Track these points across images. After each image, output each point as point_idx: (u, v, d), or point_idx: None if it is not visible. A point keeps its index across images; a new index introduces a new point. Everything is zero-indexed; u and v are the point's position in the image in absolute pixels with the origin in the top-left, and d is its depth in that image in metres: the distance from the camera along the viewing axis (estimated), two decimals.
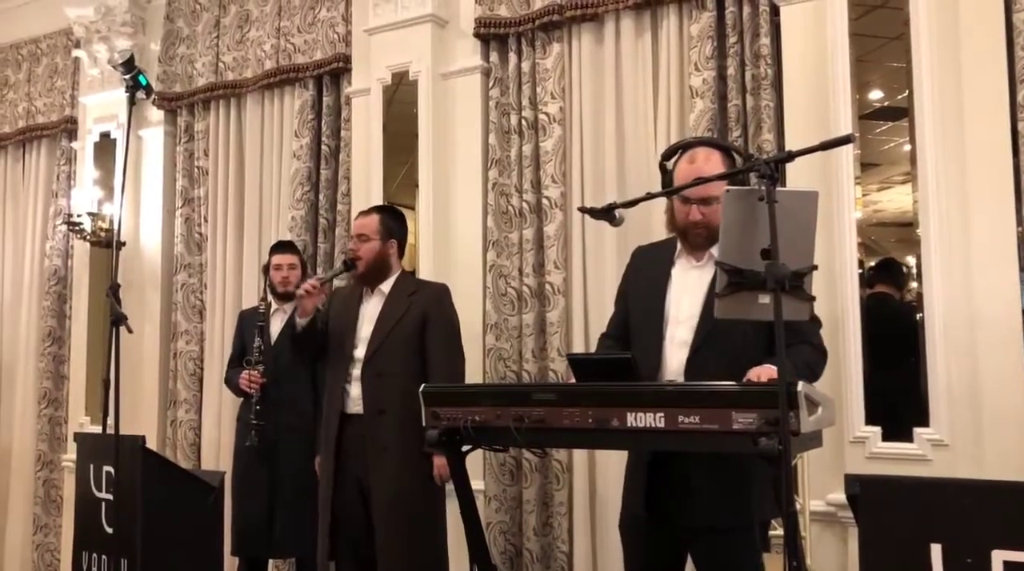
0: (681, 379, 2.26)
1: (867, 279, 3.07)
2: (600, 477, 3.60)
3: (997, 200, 2.90)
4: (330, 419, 3.17)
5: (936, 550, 1.65)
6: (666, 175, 2.40)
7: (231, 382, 3.94)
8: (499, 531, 3.77)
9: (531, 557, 3.71)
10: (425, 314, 3.17)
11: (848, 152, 3.05)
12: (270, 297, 3.98)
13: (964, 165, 2.94)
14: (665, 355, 2.30)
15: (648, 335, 2.34)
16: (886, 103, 3.13)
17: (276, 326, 3.91)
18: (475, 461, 3.67)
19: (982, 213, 2.91)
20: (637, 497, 2.30)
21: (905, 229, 3.06)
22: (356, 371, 3.14)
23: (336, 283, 3.80)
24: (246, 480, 3.75)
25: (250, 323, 3.94)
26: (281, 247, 4.04)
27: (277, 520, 3.69)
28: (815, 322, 2.25)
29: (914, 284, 3.03)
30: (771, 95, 3.39)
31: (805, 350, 2.21)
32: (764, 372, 2.05)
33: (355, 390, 3.13)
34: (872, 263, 3.10)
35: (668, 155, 2.42)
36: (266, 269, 4.04)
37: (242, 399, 3.90)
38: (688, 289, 2.34)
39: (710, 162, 2.33)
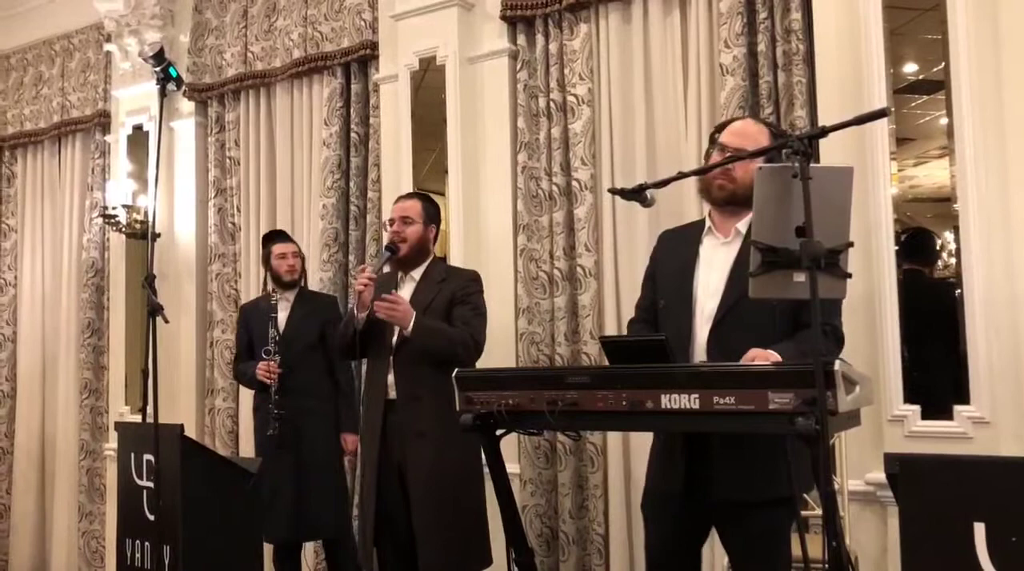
0: (705, 352, 2.25)
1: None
2: (635, 459, 3.60)
3: None
4: (373, 406, 3.19)
5: (979, 529, 1.63)
6: (713, 146, 2.41)
7: (245, 375, 3.98)
8: (535, 514, 3.78)
9: (567, 539, 3.72)
10: (453, 296, 3.19)
11: (883, 127, 2.99)
12: (271, 287, 4.01)
13: (1004, 138, 2.88)
14: (694, 331, 2.30)
15: (678, 313, 2.34)
16: (921, 76, 3.07)
17: (282, 315, 3.96)
18: (510, 445, 3.68)
19: (1023, 186, 2.85)
20: (672, 474, 2.29)
21: (942, 204, 3.00)
22: (391, 358, 3.16)
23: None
24: (272, 468, 3.77)
25: (255, 316, 3.99)
26: (280, 236, 4.08)
27: (309, 503, 3.74)
28: (835, 304, 2.21)
29: (942, 260, 2.98)
30: (803, 71, 3.34)
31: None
32: (761, 355, 2.02)
33: (391, 377, 3.15)
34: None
35: (719, 128, 2.44)
36: (266, 260, 4.06)
37: (255, 391, 3.95)
38: (715, 265, 2.33)
39: (752, 126, 2.40)
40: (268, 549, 3.88)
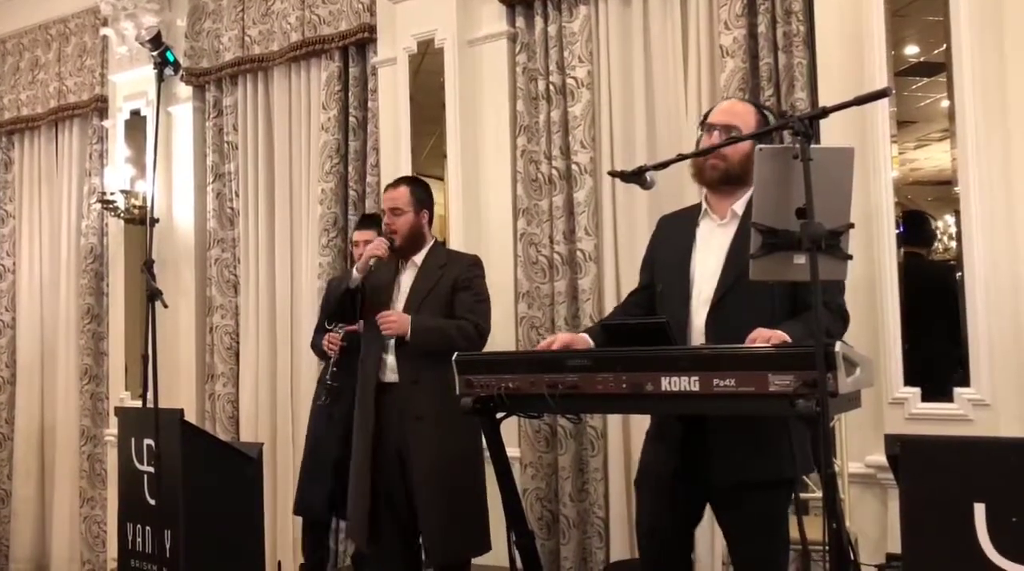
0: (703, 336, 2.25)
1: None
2: (635, 442, 3.60)
3: None
4: (366, 388, 3.19)
5: (979, 509, 1.63)
6: (703, 129, 2.41)
7: (316, 345, 3.93)
8: (535, 497, 3.79)
9: (568, 523, 3.73)
10: (455, 283, 3.19)
11: (884, 109, 2.99)
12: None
13: (1005, 120, 2.87)
14: (691, 315, 2.29)
15: (675, 297, 2.33)
16: (923, 58, 3.05)
17: None
18: (510, 428, 3.68)
19: None
20: (667, 455, 2.29)
21: (943, 187, 2.99)
22: (392, 340, 3.16)
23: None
24: (319, 441, 3.78)
25: (337, 289, 3.94)
26: (363, 222, 4.02)
27: (341, 484, 3.72)
28: (838, 283, 2.20)
29: (941, 242, 2.98)
30: (804, 52, 3.33)
31: (823, 313, 2.15)
32: (764, 336, 2.01)
33: (391, 359, 3.15)
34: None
35: (707, 114, 2.44)
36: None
37: (324, 362, 3.91)
38: (712, 248, 2.33)
39: (739, 104, 2.41)
40: (271, 531, 3.89)
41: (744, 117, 2.34)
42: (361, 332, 3.63)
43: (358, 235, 3.94)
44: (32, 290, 5.79)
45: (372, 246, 3.17)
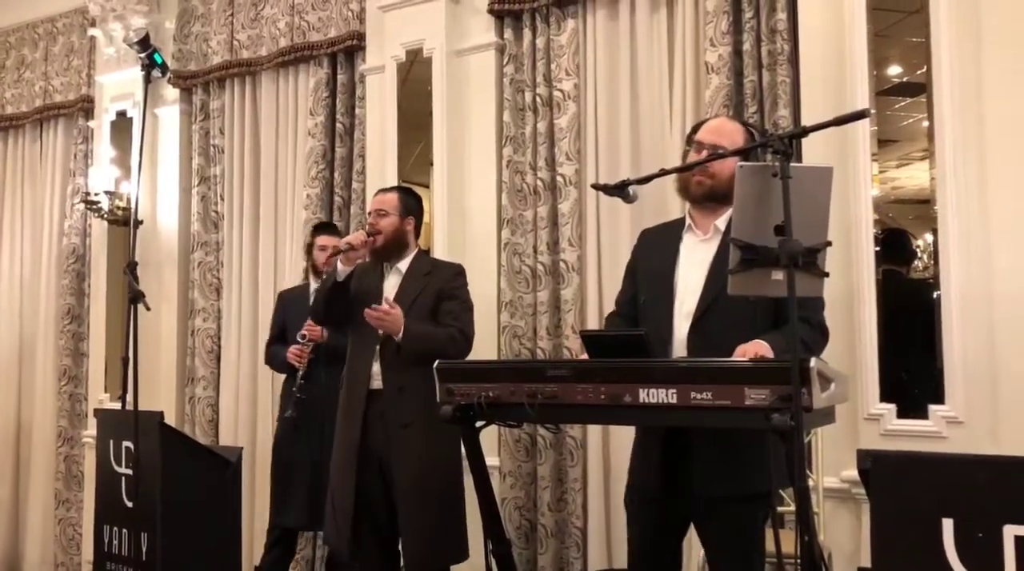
0: (685, 349, 2.27)
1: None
2: (614, 453, 3.62)
3: (1017, 176, 2.87)
4: (354, 394, 3.18)
5: (947, 525, 1.65)
6: (690, 146, 2.45)
7: (276, 358, 3.90)
8: (514, 506, 3.80)
9: (546, 532, 3.74)
10: (440, 291, 3.20)
11: (865, 128, 3.02)
12: (311, 276, 3.97)
13: (983, 141, 2.91)
14: (674, 328, 2.32)
15: (658, 310, 2.36)
16: (904, 79, 3.10)
17: None
18: (490, 437, 3.69)
19: (1001, 189, 2.88)
20: (650, 469, 2.31)
21: (923, 206, 3.03)
22: (378, 347, 3.16)
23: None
24: (289, 453, 3.75)
25: (294, 302, 3.93)
26: (327, 228, 4.02)
27: (320, 494, 3.72)
28: (818, 299, 2.23)
29: (920, 261, 3.02)
30: (787, 71, 3.37)
31: (803, 328, 2.19)
32: (751, 349, 2.05)
33: (376, 366, 3.15)
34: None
35: (695, 129, 2.47)
36: (308, 249, 4.02)
37: (285, 376, 3.89)
38: (695, 262, 2.35)
39: (727, 123, 2.45)
40: (248, 535, 3.88)
41: (732, 136, 2.37)
42: (324, 341, 3.69)
43: (324, 241, 3.90)
44: (12, 289, 5.75)
45: (349, 237, 3.15)
